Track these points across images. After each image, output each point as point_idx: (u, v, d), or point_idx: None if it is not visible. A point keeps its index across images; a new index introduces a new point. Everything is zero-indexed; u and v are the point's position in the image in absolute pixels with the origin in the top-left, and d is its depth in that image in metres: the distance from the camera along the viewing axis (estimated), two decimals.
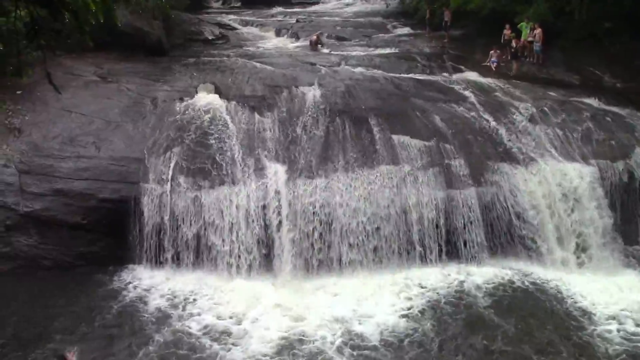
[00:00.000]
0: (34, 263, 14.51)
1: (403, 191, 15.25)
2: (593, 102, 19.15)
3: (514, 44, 22.93)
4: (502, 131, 17.27)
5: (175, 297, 13.54)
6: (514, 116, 17.99)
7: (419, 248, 14.98)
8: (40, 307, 13.00)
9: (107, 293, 13.65)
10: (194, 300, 13.43)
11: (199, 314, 12.86)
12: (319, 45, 26.87)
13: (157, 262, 14.74)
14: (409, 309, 13.01)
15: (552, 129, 17.36)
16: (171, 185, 14.99)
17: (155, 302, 13.31)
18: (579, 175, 15.75)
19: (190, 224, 14.73)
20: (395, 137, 16.53)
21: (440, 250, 15.06)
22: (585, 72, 21.96)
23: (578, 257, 15.07)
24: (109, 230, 14.86)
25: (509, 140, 16.94)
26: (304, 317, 12.69)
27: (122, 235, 14.82)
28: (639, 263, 15.14)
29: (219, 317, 12.75)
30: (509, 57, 23.18)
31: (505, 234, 15.29)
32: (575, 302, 13.25)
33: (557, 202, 15.37)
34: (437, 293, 13.63)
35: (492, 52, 23.02)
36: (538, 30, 22.50)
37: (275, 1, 49.73)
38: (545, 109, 18.33)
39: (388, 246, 14.85)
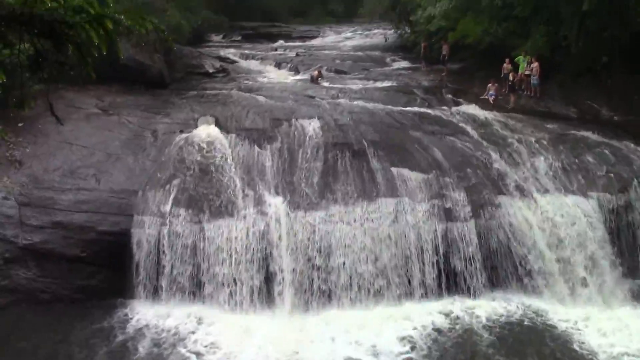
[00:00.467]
0: (32, 297, 14.42)
1: (402, 224, 15.24)
2: (591, 135, 19.20)
3: (511, 77, 23.19)
4: (501, 164, 17.34)
5: (170, 334, 13.36)
6: (513, 149, 18.08)
7: (419, 281, 14.90)
8: (35, 343, 12.90)
9: (102, 329, 13.51)
10: (190, 337, 13.25)
11: (194, 355, 12.63)
12: (320, 79, 27.15)
13: (155, 295, 14.66)
14: (411, 350, 12.80)
15: (551, 162, 17.41)
16: (170, 217, 14.99)
17: (149, 340, 13.11)
18: (579, 208, 15.75)
19: (189, 257, 14.69)
20: (394, 169, 16.60)
21: (441, 284, 14.98)
22: (583, 106, 22.14)
23: (579, 291, 14.95)
24: (108, 263, 14.82)
25: (508, 173, 16.99)
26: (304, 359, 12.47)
27: (121, 268, 14.77)
28: None
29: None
30: (506, 91, 23.39)
31: (506, 267, 15.22)
32: (581, 342, 13.02)
33: (557, 235, 15.34)
34: (439, 331, 13.47)
35: (489, 85, 23.24)
36: (535, 64, 22.78)
37: (276, 35, 50.55)
38: (544, 141, 18.43)
39: (388, 279, 14.78)
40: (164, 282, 14.63)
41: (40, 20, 6.93)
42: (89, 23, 7.04)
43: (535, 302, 14.64)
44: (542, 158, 17.62)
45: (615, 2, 20.53)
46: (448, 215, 15.53)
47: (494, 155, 17.69)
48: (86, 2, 7.11)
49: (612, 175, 16.92)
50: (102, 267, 14.85)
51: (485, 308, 14.35)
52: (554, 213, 15.59)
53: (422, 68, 30.09)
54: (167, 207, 15.16)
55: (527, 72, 23.31)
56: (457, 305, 14.51)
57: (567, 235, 15.32)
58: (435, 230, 15.23)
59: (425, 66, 30.31)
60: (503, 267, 15.19)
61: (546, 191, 16.28)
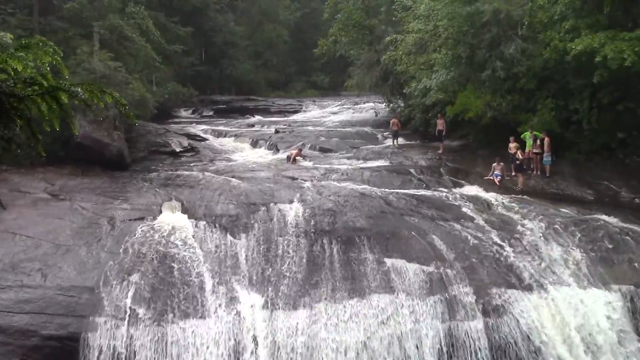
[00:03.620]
0: None
1: (400, 325, 15.11)
2: (610, 219, 19.46)
3: (519, 155, 23.56)
4: (510, 253, 17.44)
5: None
6: (523, 236, 18.22)
7: None
8: None
9: None
10: None
11: None
12: (299, 159, 27.51)
13: None
14: None
15: (566, 250, 17.59)
16: (129, 318, 14.74)
17: None
18: (599, 302, 15.78)
19: None
20: (388, 261, 16.63)
21: None
22: (600, 187, 22.56)
23: None
24: None
25: (518, 263, 17.07)
26: None
27: None
28: None
29: None
30: (513, 171, 23.80)
31: None
32: None
33: (576, 335, 15.27)
34: None
35: (494, 164, 23.66)
36: (546, 140, 23.27)
37: (252, 110, 51.83)
38: (557, 227, 18.65)
39: None
40: None
41: None
42: (41, 96, 7.21)
43: None
44: (556, 246, 17.78)
45: (629, 73, 21.31)
46: (452, 313, 15.47)
47: (502, 244, 17.82)
48: (39, 74, 7.30)
49: (637, 264, 17.07)
50: None
51: None
52: (571, 309, 15.60)
53: (395, 148, 30.79)
54: (125, 307, 14.93)
55: (535, 150, 23.83)
56: None
57: (587, 334, 15.27)
58: (438, 331, 15.10)
59: (395, 146, 31.14)
60: None
61: (562, 284, 16.34)
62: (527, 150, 24.07)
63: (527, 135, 24.14)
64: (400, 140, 32.89)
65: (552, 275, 16.66)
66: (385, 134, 35.03)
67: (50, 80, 7.29)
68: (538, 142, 23.70)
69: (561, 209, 20.26)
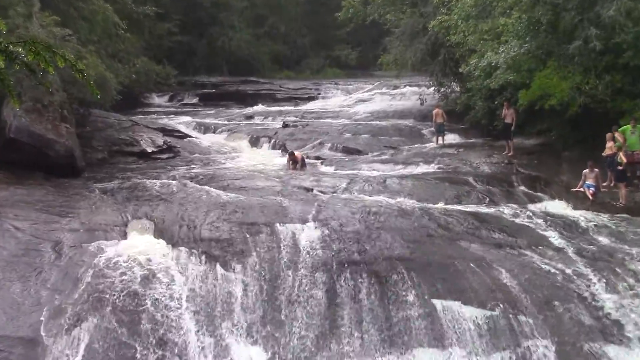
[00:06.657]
0: None
1: None
2: None
3: (622, 158, 23.04)
4: (608, 295, 17.28)
5: None
6: (627, 271, 18.06)
7: None
8: None
9: None
10: None
11: None
12: (300, 163, 27.20)
13: None
14: None
15: None
16: None
17: None
18: None
19: None
20: (437, 302, 16.57)
21: None
22: None
23: None
24: None
25: (620, 309, 16.90)
26: None
27: None
28: None
29: None
30: (612, 181, 23.55)
31: None
32: None
33: None
34: None
35: (586, 171, 23.45)
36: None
37: (251, 96, 51.99)
38: None
39: None
40: None
41: None
42: None
43: None
44: None
45: None
46: None
47: (597, 281, 17.67)
48: None
49: None
50: None
51: None
52: None
53: (436, 145, 30.94)
54: None
55: None
56: None
57: None
58: None
59: (437, 142, 31.29)
60: None
61: None
62: (627, 151, 23.49)
63: (628, 130, 23.71)
64: (450, 138, 32.82)
65: None
66: (431, 129, 35.03)
67: None
68: None
69: None
